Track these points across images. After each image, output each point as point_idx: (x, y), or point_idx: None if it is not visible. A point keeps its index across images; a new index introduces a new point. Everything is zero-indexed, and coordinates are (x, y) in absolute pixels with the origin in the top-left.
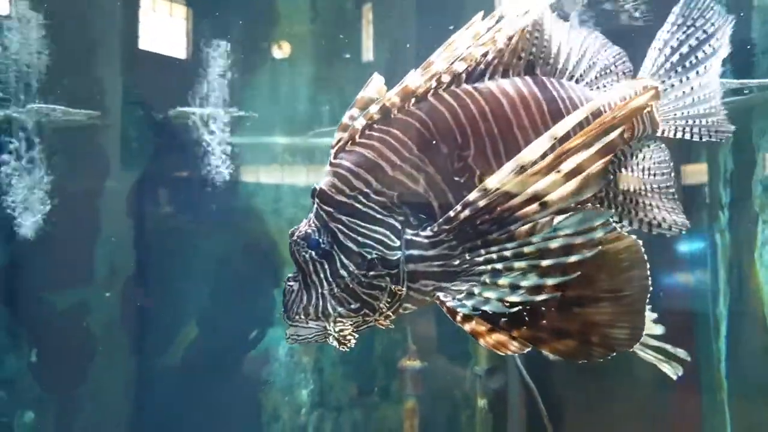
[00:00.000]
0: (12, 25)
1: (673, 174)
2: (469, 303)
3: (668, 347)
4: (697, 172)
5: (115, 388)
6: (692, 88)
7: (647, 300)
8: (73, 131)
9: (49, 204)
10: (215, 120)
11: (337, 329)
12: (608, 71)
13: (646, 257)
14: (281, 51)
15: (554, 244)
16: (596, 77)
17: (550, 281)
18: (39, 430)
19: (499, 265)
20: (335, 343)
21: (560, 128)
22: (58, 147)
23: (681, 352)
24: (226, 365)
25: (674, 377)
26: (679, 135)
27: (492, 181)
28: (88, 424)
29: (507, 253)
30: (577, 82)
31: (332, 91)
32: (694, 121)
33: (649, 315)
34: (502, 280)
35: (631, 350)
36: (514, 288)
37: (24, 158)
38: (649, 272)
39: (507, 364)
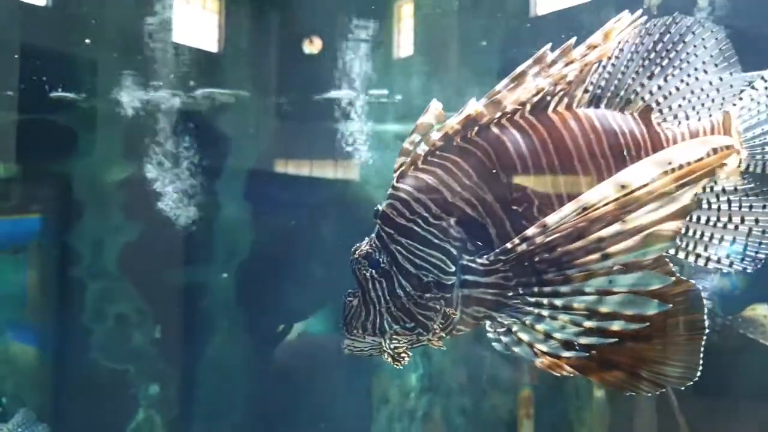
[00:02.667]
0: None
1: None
2: (505, 340)
3: None
4: None
5: (232, 366)
6: None
7: (702, 342)
8: (193, 114)
9: (181, 185)
10: (353, 105)
11: (392, 346)
12: (701, 104)
13: (704, 302)
14: (312, 46)
15: (604, 308)
16: (680, 105)
17: (583, 340)
18: (163, 403)
19: (545, 312)
20: (389, 360)
21: (627, 177)
22: (185, 129)
23: None
24: (338, 347)
25: None
26: None
27: (552, 219)
28: (208, 398)
29: (557, 302)
30: (650, 112)
31: (445, 78)
32: None
33: None
34: (540, 326)
35: None
36: (547, 337)
37: (170, 139)
38: (706, 317)
39: None
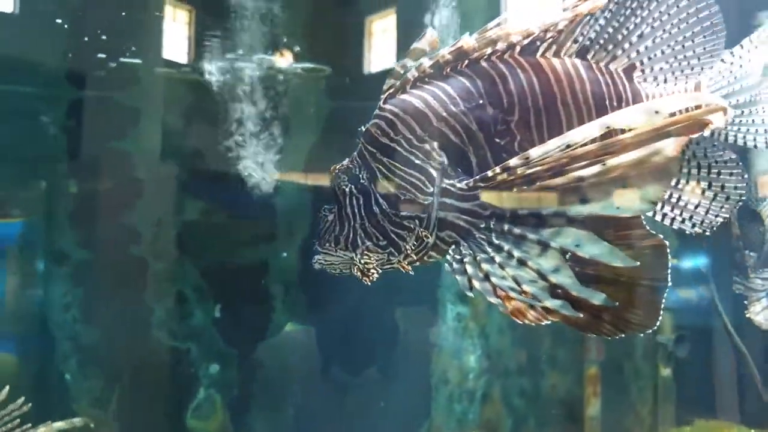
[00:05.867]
0: None
1: (742, 174)
2: (455, 266)
3: None
4: None
5: (292, 346)
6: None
7: (663, 297)
8: (253, 93)
9: (241, 164)
10: None
11: (362, 261)
12: (680, 70)
13: (669, 259)
14: (283, 58)
15: (554, 278)
16: (662, 68)
17: (513, 294)
18: (223, 382)
19: (498, 258)
20: (358, 274)
21: (613, 120)
22: (246, 107)
23: None
24: (398, 326)
25: None
26: (737, 141)
27: (536, 152)
28: (268, 378)
29: (515, 252)
30: (633, 70)
31: None
32: (757, 130)
33: None
34: (486, 266)
35: None
36: (486, 278)
37: (231, 117)
38: (669, 273)
39: (712, 330)
